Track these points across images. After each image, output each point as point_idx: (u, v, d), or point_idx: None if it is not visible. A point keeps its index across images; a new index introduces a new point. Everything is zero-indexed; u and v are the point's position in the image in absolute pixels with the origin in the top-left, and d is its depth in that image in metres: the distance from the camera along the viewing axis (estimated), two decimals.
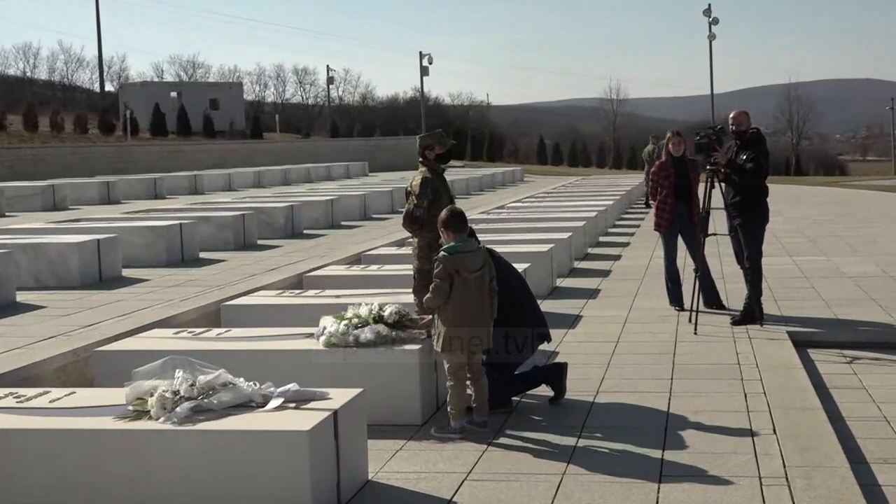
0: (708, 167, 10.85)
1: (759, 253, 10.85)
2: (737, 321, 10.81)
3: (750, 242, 10.81)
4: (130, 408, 5.88)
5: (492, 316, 7.16)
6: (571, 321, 11.39)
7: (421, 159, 8.85)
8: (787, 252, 17.15)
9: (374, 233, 20.26)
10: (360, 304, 7.77)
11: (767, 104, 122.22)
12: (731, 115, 11.15)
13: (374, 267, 12.87)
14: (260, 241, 18.96)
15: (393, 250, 15.33)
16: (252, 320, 9.77)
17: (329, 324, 7.63)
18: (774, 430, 6.99)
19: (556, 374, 7.87)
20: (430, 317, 7.42)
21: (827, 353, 9.78)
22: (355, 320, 7.60)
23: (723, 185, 10.91)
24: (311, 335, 7.77)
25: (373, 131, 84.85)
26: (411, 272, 8.87)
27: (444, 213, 7.32)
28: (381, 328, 7.53)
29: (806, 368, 8.83)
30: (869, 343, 10.04)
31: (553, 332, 10.61)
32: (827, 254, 16.77)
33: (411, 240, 9.06)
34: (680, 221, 11.83)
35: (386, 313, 7.65)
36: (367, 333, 7.48)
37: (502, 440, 6.99)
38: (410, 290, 8.87)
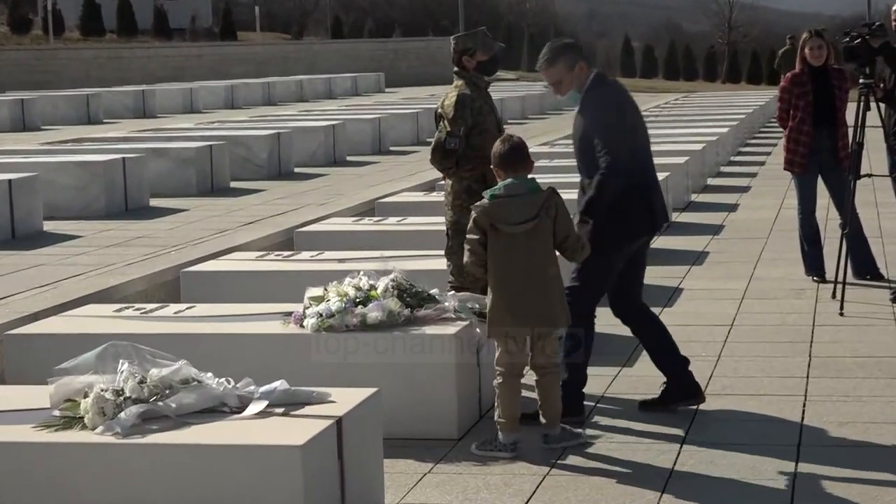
0: (861, 81, 10.80)
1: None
2: None
3: None
4: (57, 413, 5.95)
5: (551, 288, 7.16)
6: (668, 296, 11.41)
7: (457, 69, 8.86)
8: None
9: (392, 172, 20.30)
10: (353, 279, 7.86)
11: None
12: (895, 8, 11.07)
13: (393, 220, 12.91)
14: (234, 184, 19.07)
15: (419, 196, 15.36)
16: (223, 293, 9.84)
17: (319, 300, 7.69)
18: None
19: (682, 366, 7.91)
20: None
21: None
22: (353, 293, 7.66)
23: (882, 106, 10.86)
24: (289, 315, 7.83)
25: (391, 30, 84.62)
26: (444, 227, 8.90)
27: (495, 145, 7.34)
28: (393, 303, 7.59)
29: None
30: None
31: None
32: None
33: (444, 182, 9.08)
34: (821, 158, 11.79)
35: (380, 287, 7.71)
36: (373, 312, 7.55)
37: (570, 460, 7.04)
38: (443, 252, 8.91)
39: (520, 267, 7.10)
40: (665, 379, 7.96)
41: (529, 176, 7.27)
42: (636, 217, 7.73)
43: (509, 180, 7.18)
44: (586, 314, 7.77)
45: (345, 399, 6.13)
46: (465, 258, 7.22)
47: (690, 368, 7.97)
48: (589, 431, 7.50)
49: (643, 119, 8.03)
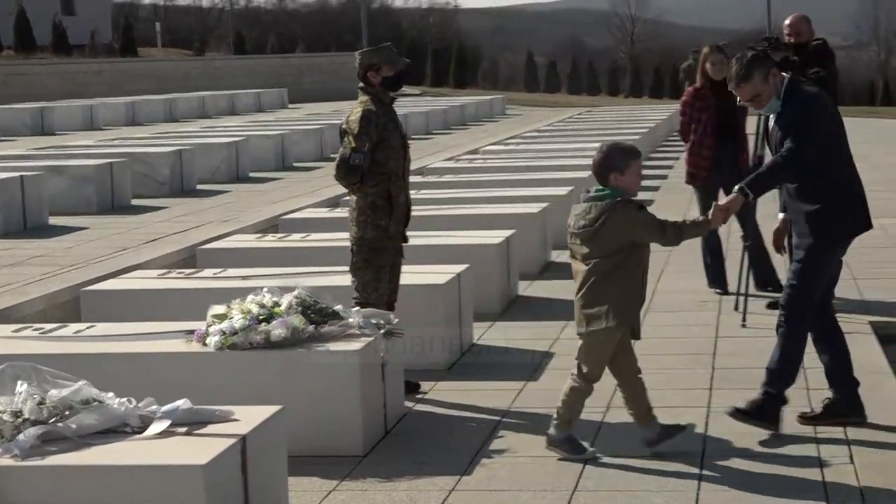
0: None
1: None
2: None
3: None
4: None
5: (592, 295, 7.21)
6: (571, 310, 11.41)
7: (362, 85, 8.86)
8: (872, 212, 17.24)
9: (295, 189, 20.24)
10: (257, 296, 7.82)
11: (845, 5, 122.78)
12: (788, 22, 11.24)
13: (297, 236, 12.87)
14: (135, 201, 18.92)
15: (323, 213, 15.33)
16: (125, 312, 9.76)
17: (221, 318, 7.66)
18: (852, 460, 7.10)
19: (854, 383, 7.92)
20: None
21: None
22: (256, 310, 7.64)
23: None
24: (191, 333, 7.79)
25: (294, 46, 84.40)
26: (348, 243, 8.89)
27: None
28: (297, 320, 7.57)
29: None
30: None
31: (547, 325, 10.77)
32: None
33: (348, 198, 9.07)
34: (722, 171, 11.90)
35: (284, 304, 7.69)
36: (277, 329, 7.53)
37: (476, 474, 7.06)
38: (347, 268, 8.90)
39: (578, 271, 7.29)
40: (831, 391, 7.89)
41: (606, 188, 7.33)
42: (854, 214, 7.75)
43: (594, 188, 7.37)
44: (804, 321, 7.76)
45: (249, 417, 6.09)
46: None
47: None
48: (501, 440, 7.51)
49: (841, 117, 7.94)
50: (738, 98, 7.82)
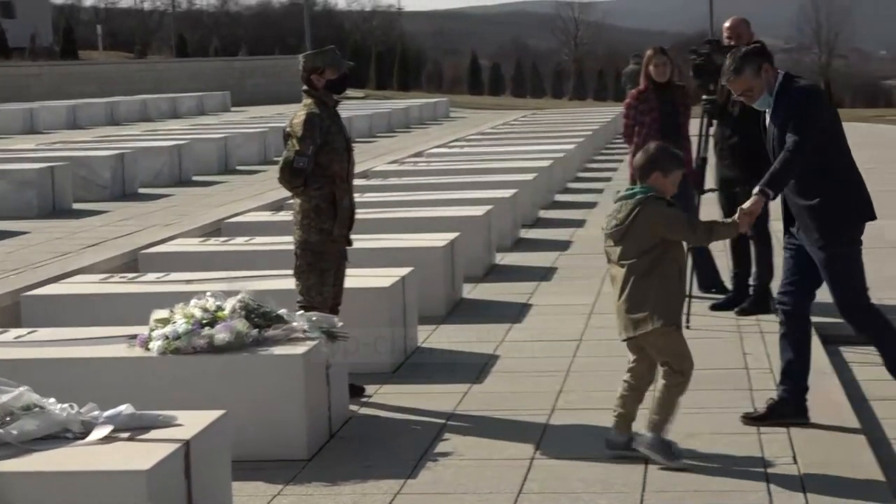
0: (704, 98, 10.99)
1: (768, 216, 11.10)
2: (744, 310, 11.00)
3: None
4: None
5: (635, 295, 7.18)
6: (517, 312, 11.49)
7: (305, 88, 8.84)
8: None
9: (239, 192, 20.16)
10: (200, 300, 7.79)
11: (788, 9, 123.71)
12: (727, 25, 11.31)
13: (240, 240, 12.84)
14: (76, 206, 18.80)
15: (266, 216, 15.29)
16: (66, 317, 9.69)
17: (164, 322, 7.62)
18: (795, 459, 7.15)
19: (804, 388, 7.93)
20: None
21: (867, 351, 9.98)
22: (200, 314, 7.61)
23: (713, 122, 11.07)
24: (134, 338, 7.76)
25: (237, 49, 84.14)
26: (292, 246, 8.87)
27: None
28: (241, 324, 7.55)
29: (838, 374, 9.02)
30: None
31: (491, 328, 10.80)
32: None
33: (292, 201, 9.06)
34: None
35: (227, 308, 7.66)
36: (221, 333, 7.50)
37: (421, 478, 7.06)
38: (291, 272, 8.88)
39: (614, 272, 7.28)
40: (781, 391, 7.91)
41: (639, 186, 7.33)
42: (858, 206, 7.74)
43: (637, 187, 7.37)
44: (868, 310, 7.76)
45: (192, 422, 6.07)
46: None
47: (543, 381, 8.04)
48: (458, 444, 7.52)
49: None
50: (732, 92, 7.84)
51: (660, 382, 7.31)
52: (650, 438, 7.18)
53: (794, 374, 7.88)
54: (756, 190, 7.50)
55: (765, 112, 7.86)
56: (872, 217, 7.81)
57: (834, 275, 7.65)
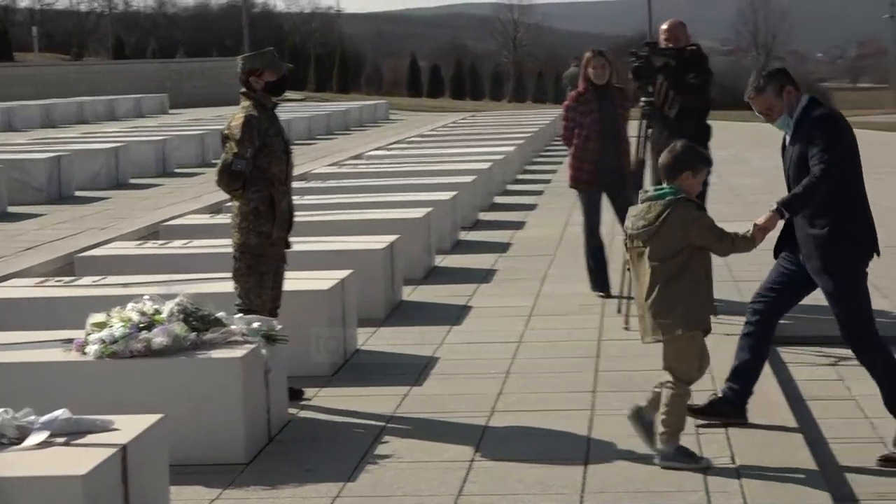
0: (643, 100, 11.05)
1: None
2: None
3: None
4: None
5: (663, 298, 7.14)
6: (457, 314, 11.50)
7: (244, 90, 8.81)
8: (753, 216, 17.49)
9: (177, 195, 20.08)
10: (137, 304, 7.75)
11: (726, 11, 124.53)
12: (665, 27, 11.38)
13: (179, 243, 12.77)
14: (11, 209, 18.64)
15: (205, 219, 15.23)
16: (1, 321, 9.61)
17: (101, 326, 7.58)
18: (733, 459, 7.20)
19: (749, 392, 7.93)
20: None
21: (804, 352, 10.09)
22: (137, 318, 7.57)
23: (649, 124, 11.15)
24: (70, 342, 7.71)
25: (175, 50, 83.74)
26: (231, 249, 8.84)
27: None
28: (179, 327, 7.52)
29: (775, 374, 9.09)
30: None
31: (431, 330, 10.80)
32: None
33: (231, 204, 9.02)
34: (605, 175, 12.01)
35: (165, 311, 7.63)
36: (159, 337, 7.47)
37: (361, 481, 7.06)
38: (230, 275, 8.85)
39: (640, 273, 7.27)
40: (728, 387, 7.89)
41: (667, 186, 7.30)
42: (868, 241, 7.65)
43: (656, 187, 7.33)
44: (875, 337, 7.64)
45: (129, 426, 6.04)
46: None
47: (483, 384, 8.04)
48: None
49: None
50: (754, 109, 7.78)
51: (664, 393, 7.25)
52: (670, 453, 7.14)
53: (745, 376, 7.90)
54: (773, 207, 7.46)
55: (784, 136, 7.79)
56: (876, 253, 7.73)
57: (840, 303, 7.60)
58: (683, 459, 7.09)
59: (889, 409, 7.50)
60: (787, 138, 7.73)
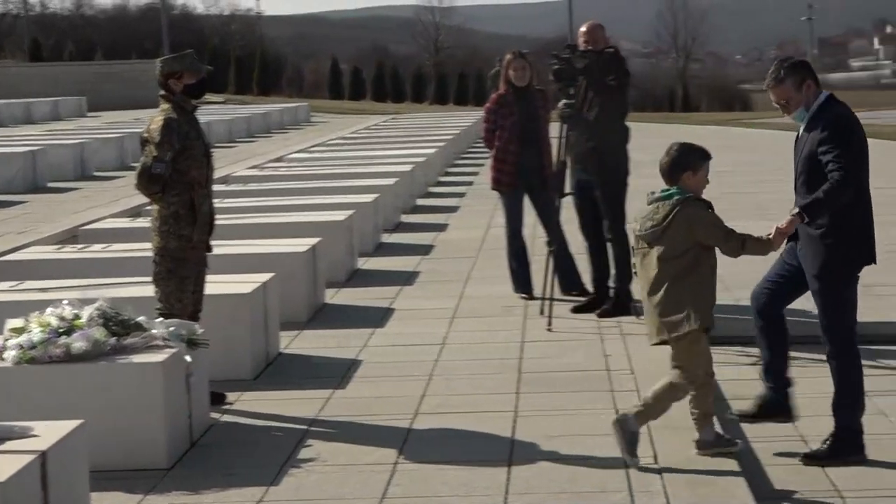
0: (563, 102, 11.10)
1: (625, 219, 11.27)
2: (605, 312, 11.13)
3: (614, 204, 11.16)
4: None
5: (671, 298, 7.16)
6: (380, 317, 11.50)
7: (163, 93, 8.77)
8: None
9: (96, 198, 19.92)
10: (56, 309, 7.69)
11: (646, 13, 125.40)
12: (584, 30, 11.43)
13: (98, 247, 12.68)
14: None
15: (124, 222, 15.12)
16: None
17: (19, 332, 7.52)
18: (656, 460, 7.25)
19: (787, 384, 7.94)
20: None
21: (725, 351, 10.16)
22: (56, 323, 7.52)
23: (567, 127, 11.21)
24: None
25: (93, 53, 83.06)
26: (151, 253, 8.78)
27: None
28: (98, 332, 7.47)
29: None
30: None
31: (354, 333, 10.80)
32: (726, 218, 17.29)
33: (150, 207, 8.97)
34: (527, 177, 12.06)
35: (84, 316, 7.57)
36: (78, 342, 7.41)
37: (283, 484, 7.04)
38: (150, 279, 8.80)
39: (646, 274, 7.28)
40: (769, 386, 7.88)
41: (673, 187, 7.35)
42: (866, 243, 7.61)
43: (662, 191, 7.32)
44: (852, 345, 7.61)
45: (49, 432, 5.99)
46: None
47: (406, 386, 8.04)
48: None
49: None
50: (772, 98, 7.78)
51: (688, 395, 7.29)
52: (709, 440, 7.22)
53: (775, 372, 7.91)
54: (794, 210, 7.43)
55: (799, 128, 7.78)
56: (873, 261, 7.72)
57: (825, 304, 7.58)
58: (721, 443, 7.21)
59: (833, 410, 7.55)
60: (801, 131, 7.74)
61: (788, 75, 7.63)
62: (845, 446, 7.41)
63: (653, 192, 7.44)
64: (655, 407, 7.34)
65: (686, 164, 7.35)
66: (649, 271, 7.30)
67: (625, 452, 7.14)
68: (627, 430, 7.19)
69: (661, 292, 7.22)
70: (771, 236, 7.44)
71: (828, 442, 7.45)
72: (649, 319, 7.38)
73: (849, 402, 7.53)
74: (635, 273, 7.58)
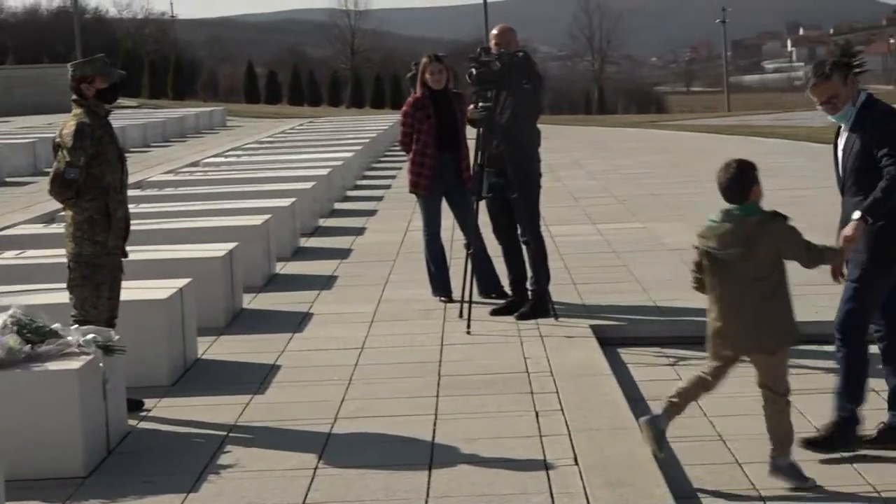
0: (481, 105, 11.12)
1: (540, 220, 11.33)
2: (523, 314, 11.16)
3: (530, 207, 11.20)
4: None
5: (764, 316, 7.06)
6: (297, 322, 11.46)
7: (75, 97, 8.70)
8: (590, 218, 17.78)
9: (8, 204, 19.72)
10: None
11: (562, 16, 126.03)
12: (495, 33, 11.46)
13: (10, 253, 12.55)
14: None
15: (38, 228, 14.97)
16: None
17: None
18: (576, 460, 7.28)
19: None
20: None
21: (644, 352, 10.24)
22: None
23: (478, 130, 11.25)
24: None
25: (4, 56, 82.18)
26: (65, 259, 8.71)
27: (718, 174, 7.19)
28: (12, 340, 7.40)
29: (615, 375, 9.21)
30: (699, 338, 10.50)
31: (272, 338, 10.76)
32: (643, 219, 17.50)
33: (65, 213, 8.89)
34: (445, 180, 12.07)
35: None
36: None
37: (203, 491, 7.00)
38: (65, 285, 8.72)
39: (728, 291, 7.13)
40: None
41: (753, 202, 7.13)
42: None
43: (729, 206, 7.14)
44: (862, 341, 7.59)
45: None
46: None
47: (325, 390, 8.01)
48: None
49: None
50: (816, 100, 7.71)
51: (767, 409, 7.21)
52: (784, 466, 7.10)
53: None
54: (856, 216, 7.37)
55: (839, 128, 7.67)
56: None
57: (855, 294, 7.56)
58: (794, 476, 7.06)
59: (835, 399, 7.61)
60: (845, 130, 7.66)
61: (834, 70, 7.58)
62: (842, 435, 7.50)
63: (724, 211, 7.21)
64: (682, 404, 7.35)
65: (752, 178, 7.19)
66: (732, 289, 7.15)
67: (654, 446, 7.18)
68: (657, 428, 7.22)
69: (751, 311, 7.10)
70: (839, 245, 7.37)
71: (827, 429, 7.53)
72: (736, 335, 7.20)
73: (851, 392, 7.58)
74: (695, 287, 7.45)
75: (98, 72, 8.69)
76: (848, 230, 7.36)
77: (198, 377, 9.67)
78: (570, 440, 7.62)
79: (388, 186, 23.77)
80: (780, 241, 7.09)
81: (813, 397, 8.48)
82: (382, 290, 12.85)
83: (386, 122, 38.77)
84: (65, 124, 8.65)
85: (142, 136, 35.01)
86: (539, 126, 11.43)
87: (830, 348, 7.91)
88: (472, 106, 11.33)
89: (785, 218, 7.16)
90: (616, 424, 7.88)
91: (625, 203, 19.52)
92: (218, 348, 10.56)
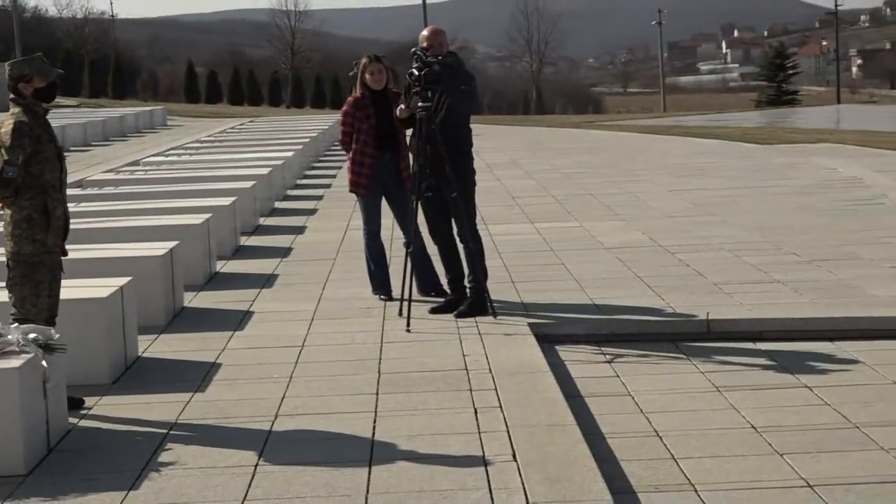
0: (420, 105, 11.13)
1: (475, 215, 11.39)
2: (462, 312, 11.18)
3: (467, 205, 11.23)
4: None
5: None
6: (239, 320, 11.43)
7: (13, 96, 8.63)
8: (528, 217, 17.83)
9: None
10: None
11: (500, 17, 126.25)
12: (425, 34, 11.46)
13: None
14: None
15: None
16: None
17: None
18: (514, 457, 7.30)
19: None
20: None
21: (581, 350, 10.28)
22: None
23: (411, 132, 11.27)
24: None
25: None
26: (4, 259, 8.65)
27: None
28: None
29: (554, 372, 9.24)
30: (635, 335, 10.60)
31: (213, 336, 10.73)
32: (580, 218, 17.57)
33: (3, 212, 8.83)
34: (384, 179, 12.08)
35: None
36: None
37: (143, 488, 6.97)
38: (5, 285, 8.66)
39: None
40: None
41: None
42: None
43: None
44: None
45: None
46: None
47: (266, 388, 7.98)
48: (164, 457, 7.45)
49: None
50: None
51: None
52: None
53: None
54: None
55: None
56: None
57: None
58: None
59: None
60: None
61: None
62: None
63: None
64: None
65: None
66: None
67: None
68: None
69: None
70: None
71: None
72: None
73: None
74: None
75: (36, 71, 8.64)
76: None
77: (138, 375, 9.62)
78: (509, 436, 7.64)
79: (328, 186, 23.75)
80: None
81: (747, 393, 8.55)
82: (323, 289, 12.83)
83: (326, 121, 38.72)
84: (2, 123, 8.58)
85: (82, 135, 34.78)
86: (471, 126, 11.47)
87: (762, 345, 7.99)
88: (402, 106, 11.35)
89: None
90: (554, 421, 7.91)
91: (562, 202, 19.61)
92: (159, 346, 10.51)
